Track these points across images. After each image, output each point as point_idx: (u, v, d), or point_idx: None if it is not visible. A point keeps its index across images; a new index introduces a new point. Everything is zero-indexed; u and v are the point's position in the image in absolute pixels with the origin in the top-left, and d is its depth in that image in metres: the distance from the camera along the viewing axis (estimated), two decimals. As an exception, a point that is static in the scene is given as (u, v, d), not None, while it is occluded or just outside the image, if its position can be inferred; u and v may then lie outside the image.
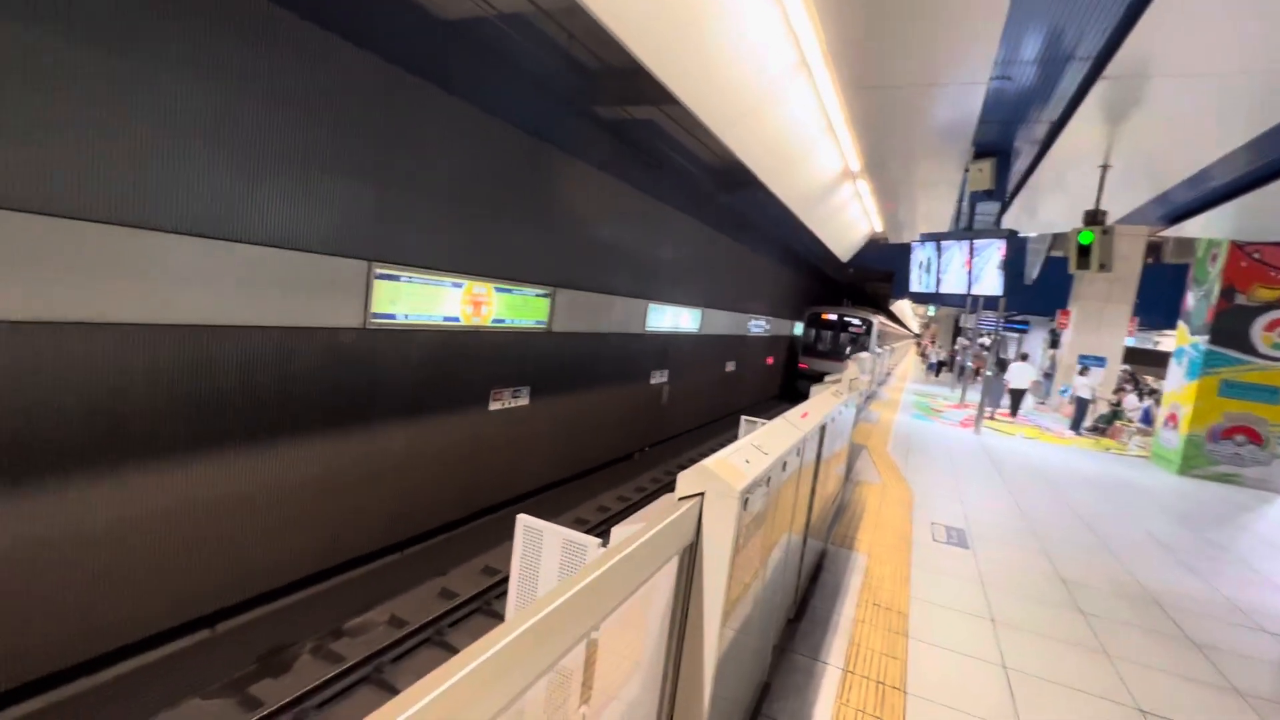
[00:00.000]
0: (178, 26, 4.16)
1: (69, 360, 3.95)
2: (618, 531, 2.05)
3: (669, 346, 12.91)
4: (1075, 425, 12.16)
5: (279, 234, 5.03)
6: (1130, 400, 13.48)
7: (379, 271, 5.98)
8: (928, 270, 7.33)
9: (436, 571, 6.65)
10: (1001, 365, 14.99)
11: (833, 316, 22.01)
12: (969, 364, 16.94)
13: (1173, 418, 9.60)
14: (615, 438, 11.57)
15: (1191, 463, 9.06)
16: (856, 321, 21.38)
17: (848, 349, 20.44)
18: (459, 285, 6.97)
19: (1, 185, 3.52)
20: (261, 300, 4.97)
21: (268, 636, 5.18)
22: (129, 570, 4.50)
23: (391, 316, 6.22)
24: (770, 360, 21.48)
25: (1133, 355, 21.13)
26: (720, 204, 13.55)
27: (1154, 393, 14.71)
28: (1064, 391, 14.92)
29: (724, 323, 15.74)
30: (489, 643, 0.98)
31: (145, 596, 4.64)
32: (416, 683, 0.84)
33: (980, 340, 20.04)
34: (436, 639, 5.53)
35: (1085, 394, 12.06)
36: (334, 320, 5.66)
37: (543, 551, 2.14)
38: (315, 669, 4.89)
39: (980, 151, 5.41)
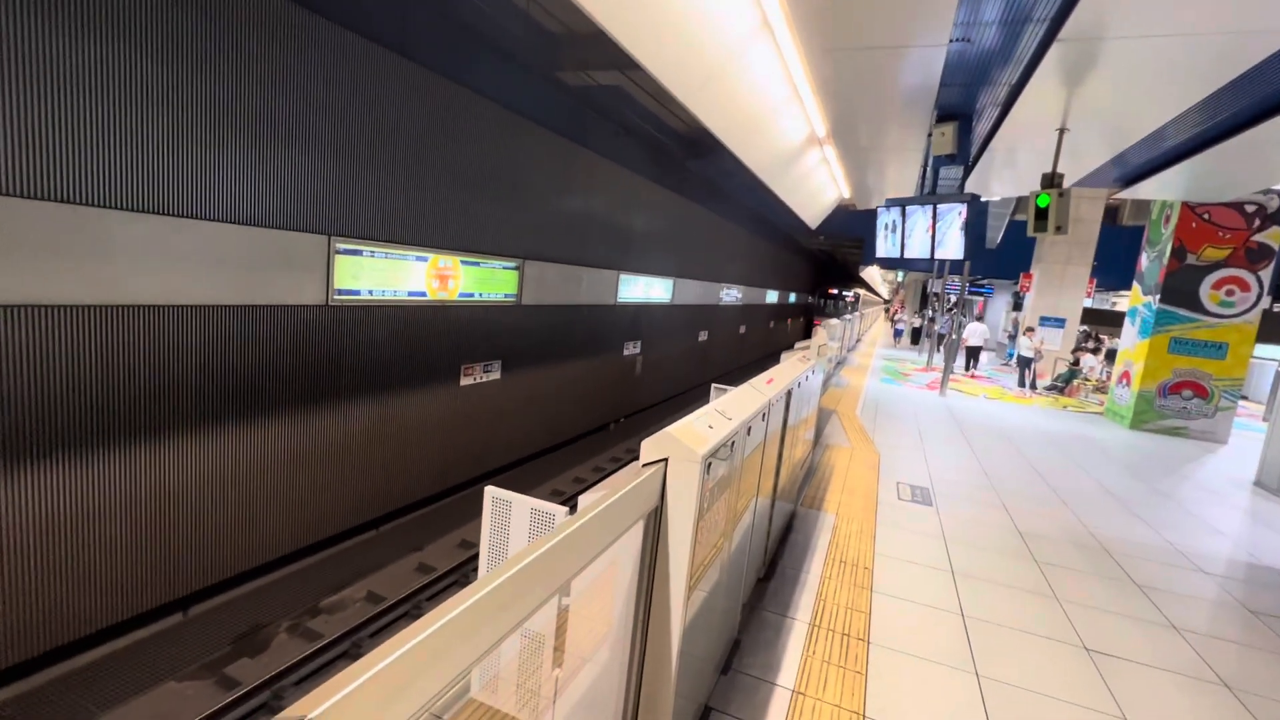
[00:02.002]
0: (107, -13, 3.91)
1: (17, 346, 3.78)
2: (585, 499, 2.07)
3: (641, 317, 12.91)
4: (1021, 382, 12.96)
5: (233, 210, 4.84)
6: (1088, 360, 13.96)
7: (340, 246, 5.82)
8: (893, 235, 7.41)
9: (413, 547, 6.66)
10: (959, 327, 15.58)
11: (835, 291, 42.56)
12: (947, 331, 17.29)
13: (1126, 375, 9.99)
14: (590, 410, 11.61)
15: (1142, 417, 9.48)
16: (849, 294, 41.06)
17: (844, 311, 31.43)
18: (423, 259, 6.83)
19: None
20: (219, 278, 4.81)
21: (243, 618, 5.16)
22: (92, 558, 4.41)
23: (355, 292, 6.08)
24: (743, 329, 21.71)
25: (1091, 316, 21.83)
26: (690, 172, 13.43)
27: (1107, 353, 15.25)
28: (1009, 355, 15.79)
29: (696, 292, 15.76)
30: (459, 600, 1.00)
31: (107, 586, 4.55)
32: (385, 642, 0.84)
33: (951, 307, 20.48)
34: (414, 613, 5.57)
35: (1028, 353, 12.85)
36: (296, 298, 5.51)
37: (511, 521, 2.16)
38: (293, 647, 4.90)
39: (943, 115, 5.44)
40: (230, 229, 4.85)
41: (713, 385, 4.16)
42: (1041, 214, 5.21)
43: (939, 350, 17.04)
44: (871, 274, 42.07)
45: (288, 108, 5.16)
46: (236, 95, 4.76)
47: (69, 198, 3.88)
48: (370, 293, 6.25)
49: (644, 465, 1.79)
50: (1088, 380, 13.17)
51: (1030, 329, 13.57)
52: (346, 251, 5.90)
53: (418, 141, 6.54)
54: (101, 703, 4.08)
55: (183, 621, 5.04)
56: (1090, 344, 16.29)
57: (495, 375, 8.46)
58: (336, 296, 5.87)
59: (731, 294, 19.09)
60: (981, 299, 25.99)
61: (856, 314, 21.51)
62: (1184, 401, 9.35)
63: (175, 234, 4.46)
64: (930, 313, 19.29)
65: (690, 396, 16.43)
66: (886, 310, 45.27)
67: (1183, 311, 9.19)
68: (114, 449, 4.41)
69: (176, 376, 4.71)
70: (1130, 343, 10.02)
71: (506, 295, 8.32)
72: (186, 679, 4.44)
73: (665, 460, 1.79)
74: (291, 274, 5.42)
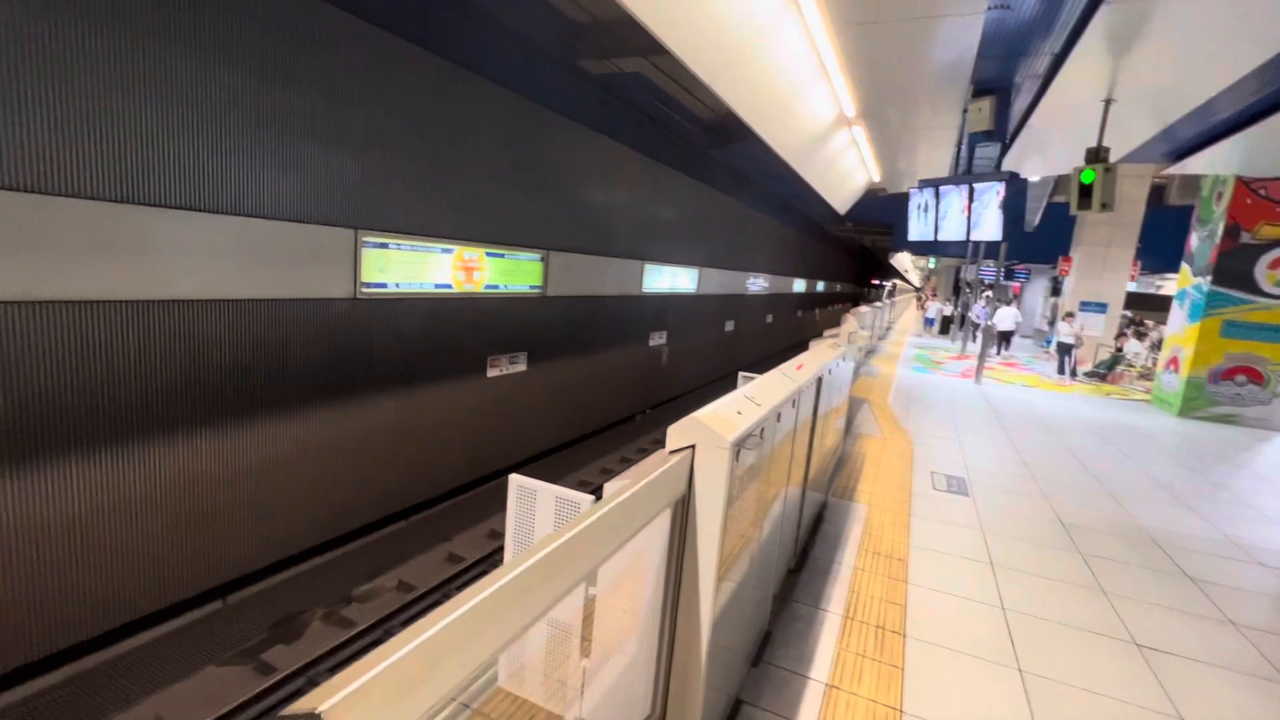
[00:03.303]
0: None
1: (63, 339, 3.89)
2: (610, 487, 2.02)
3: (667, 307, 12.82)
4: (1061, 369, 12.55)
5: (265, 205, 4.91)
6: (1131, 345, 13.43)
7: (367, 240, 5.87)
8: (925, 217, 7.16)
9: (442, 537, 6.74)
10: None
11: (876, 282, 50.04)
12: (984, 318, 16.70)
13: (1174, 361, 9.56)
14: (616, 401, 11.59)
15: (1192, 404, 9.06)
16: (887, 285, 47.14)
17: (882, 296, 34.87)
18: (449, 251, 6.86)
19: (-33, 161, 3.41)
20: (252, 273, 4.89)
21: (280, 605, 5.27)
22: (137, 546, 4.55)
23: (383, 285, 6.13)
24: (770, 318, 21.46)
25: (1135, 300, 21.00)
26: (715, 160, 13.25)
27: (1151, 343, 14.63)
28: (1048, 342, 15.39)
29: (722, 281, 15.60)
30: (484, 585, 0.97)
31: (153, 571, 4.70)
32: (410, 626, 0.82)
33: (986, 293, 19.90)
34: (444, 602, 5.63)
35: (1068, 339, 12.42)
36: (325, 291, 5.58)
37: (536, 510, 2.13)
38: (327, 635, 4.99)
39: (979, 89, 5.21)
40: (263, 224, 4.92)
41: (740, 374, 4.08)
42: (1086, 191, 4.97)
43: (974, 338, 16.58)
44: (901, 260, 41.24)
45: (318, 105, 5.20)
46: (270, 95, 4.81)
47: (115, 196, 3.97)
48: (397, 286, 6.30)
49: (671, 452, 1.74)
50: (1132, 367, 12.67)
51: (1070, 314, 13.12)
52: (374, 245, 5.95)
53: (442, 134, 6.55)
54: (148, 687, 4.21)
55: (222, 608, 5.18)
56: (1132, 330, 15.68)
57: (521, 367, 8.49)
58: (364, 290, 5.93)
59: (758, 283, 18.85)
60: (1017, 284, 25.23)
61: (888, 301, 21.02)
62: (1237, 388, 8.91)
63: (211, 229, 4.54)
64: (963, 300, 18.72)
65: (717, 387, 16.30)
66: (918, 298, 44.26)
67: (1236, 293, 8.74)
68: (154, 440, 4.53)
69: (213, 369, 4.81)
70: (1179, 327, 9.58)
71: (532, 286, 8.32)
72: (226, 664, 4.56)
73: (693, 447, 1.73)
74: (321, 268, 5.49)
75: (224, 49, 4.49)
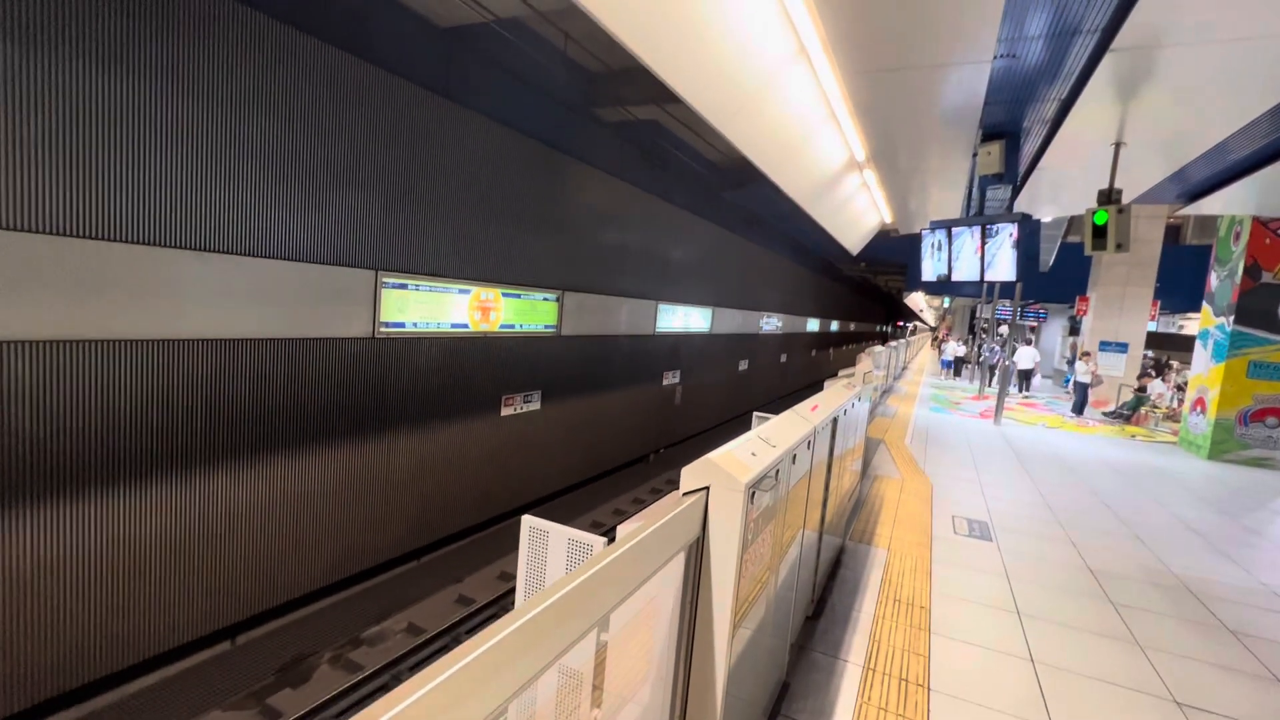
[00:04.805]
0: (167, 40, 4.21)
1: (88, 378, 3.99)
2: (623, 529, 2.00)
3: (680, 347, 12.85)
4: (1077, 409, 12.49)
5: (289, 247, 5.07)
6: (1155, 386, 13.16)
7: (387, 280, 6.00)
8: (938, 256, 7.18)
9: (453, 578, 6.64)
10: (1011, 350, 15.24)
11: (901, 324, 55.04)
12: (996, 359, 16.43)
13: (1200, 402, 9.34)
14: (629, 440, 11.53)
15: (1221, 447, 8.80)
16: (908, 326, 52.14)
17: (903, 336, 38.18)
18: (466, 291, 6.98)
19: (16, 209, 3.57)
20: (275, 312, 5.01)
21: (288, 647, 5.20)
22: (149, 585, 4.54)
23: (400, 325, 6.24)
24: (784, 358, 21.39)
25: (1157, 340, 20.68)
26: (727, 202, 13.49)
27: (1175, 384, 14.32)
28: (1067, 381, 15.36)
29: (735, 321, 15.65)
30: (493, 632, 0.95)
31: (163, 612, 4.67)
32: (419, 673, 0.81)
33: (1000, 332, 19.71)
34: (453, 646, 5.51)
35: (1084, 378, 12.43)
36: (344, 330, 5.68)
37: (549, 552, 2.10)
38: (334, 679, 4.90)
39: (988, 134, 5.30)
40: (287, 266, 5.06)
41: (754, 414, 4.05)
42: (1099, 232, 4.97)
43: (991, 380, 16.36)
44: (916, 300, 41.23)
45: (340, 151, 5.41)
46: (294, 141, 5.02)
47: (146, 240, 4.13)
48: (415, 325, 6.40)
49: (684, 494, 1.72)
50: (1156, 408, 12.39)
51: (1085, 353, 13.00)
52: (393, 285, 6.08)
53: (461, 178, 6.75)
54: (152, 730, 4.14)
55: (230, 650, 5.11)
56: (1153, 370, 15.41)
57: (535, 405, 8.51)
58: (382, 329, 6.03)
59: (771, 322, 18.88)
60: (1034, 322, 25.01)
61: (903, 340, 20.85)
62: (1268, 430, 8.66)
63: (237, 271, 4.68)
64: (976, 341, 18.51)
65: (730, 427, 16.16)
66: (933, 337, 43.88)
67: (1260, 333, 8.58)
68: (172, 477, 4.57)
69: (233, 407, 4.88)
70: (1203, 367, 9.39)
71: (546, 326, 8.41)
72: (231, 708, 4.47)
73: (706, 489, 1.71)
74: (341, 307, 5.61)
75: (259, 102, 4.71)
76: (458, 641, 5.55)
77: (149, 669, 4.61)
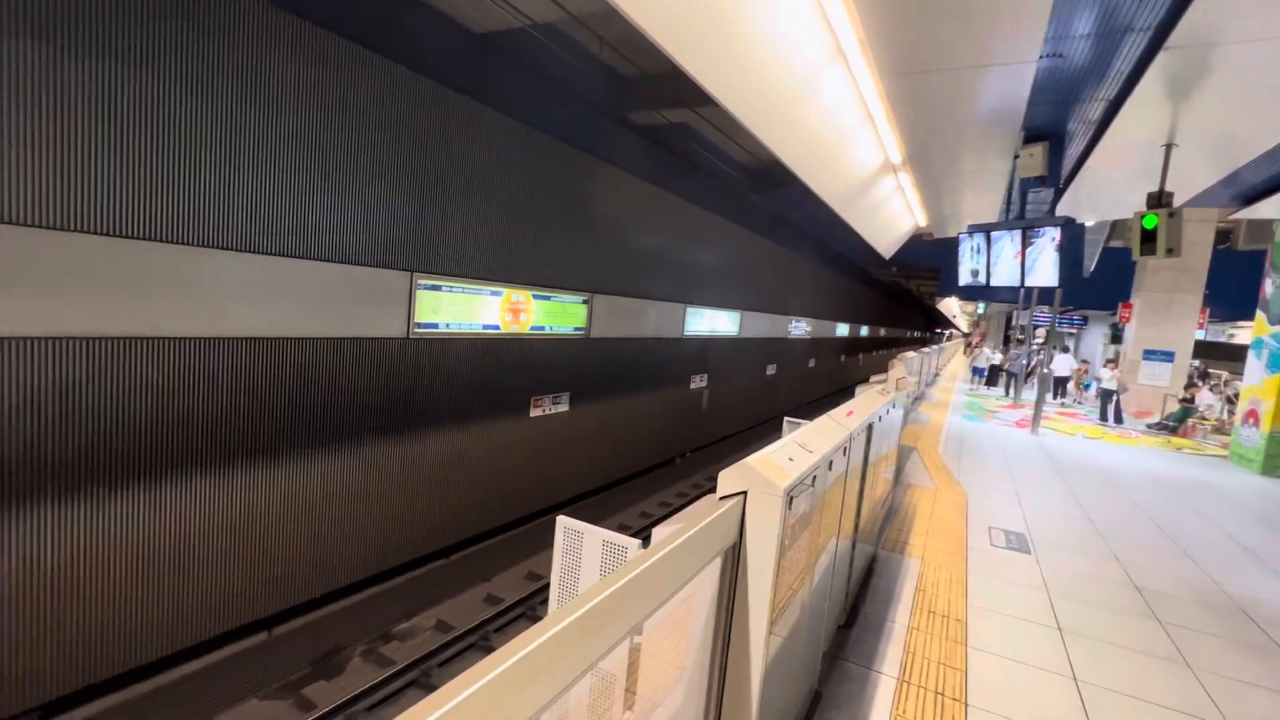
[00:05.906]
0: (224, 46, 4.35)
1: (137, 374, 4.15)
2: (659, 532, 1.99)
3: (708, 350, 12.80)
4: (1103, 416, 12.30)
5: (334, 249, 5.21)
6: (1204, 396, 12.65)
7: (421, 282, 6.11)
8: (977, 260, 7.01)
9: (481, 577, 6.71)
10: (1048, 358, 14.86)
11: (937, 330, 51.94)
12: (1020, 370, 15.94)
13: (1253, 414, 8.94)
14: (656, 443, 11.51)
15: (1276, 461, 8.41)
16: (945, 334, 49.22)
17: (937, 341, 38.31)
18: (498, 293, 7.06)
19: (66, 208, 3.74)
20: (320, 313, 5.16)
21: (322, 640, 5.32)
22: (183, 578, 4.69)
23: (434, 326, 6.34)
24: (812, 363, 21.14)
25: (1205, 349, 19.88)
26: (757, 205, 13.41)
27: (1225, 395, 13.77)
28: (1087, 386, 15.04)
29: (764, 325, 15.52)
30: (528, 639, 0.95)
31: (206, 600, 4.82)
32: (454, 679, 0.82)
33: (1037, 338, 19.19)
34: (481, 644, 5.57)
35: (1110, 385, 12.24)
36: (381, 331, 5.80)
37: (583, 553, 2.11)
38: (366, 672, 4.99)
39: (1031, 136, 5.16)
40: (333, 267, 5.20)
41: (785, 419, 4.01)
42: (1149, 236, 4.80)
43: (1020, 387, 15.92)
44: (949, 305, 40.38)
45: (382, 155, 5.53)
46: (342, 148, 5.16)
47: (215, 244, 4.28)
48: (447, 325, 6.50)
49: (721, 498, 1.71)
50: (1205, 420, 11.91)
51: (1111, 361, 12.74)
52: (427, 287, 6.19)
53: (494, 181, 6.84)
54: (197, 715, 4.27)
55: (267, 640, 5.25)
56: (1199, 380, 14.84)
57: (563, 407, 8.56)
58: (416, 329, 6.14)
59: (800, 327, 18.69)
60: (1072, 329, 24.28)
61: (935, 347, 20.41)
62: (1327, 444, 8.24)
63: (288, 272, 4.83)
64: (1012, 350, 18.02)
65: (758, 431, 16.03)
66: (966, 345, 42.87)
67: (1320, 342, 8.19)
68: (213, 473, 4.72)
69: (274, 404, 5.02)
70: (1257, 378, 8.99)
71: (575, 328, 8.45)
72: (268, 698, 4.59)
73: (744, 493, 1.70)
74: (379, 308, 5.73)
75: (310, 112, 4.85)
76: (486, 639, 5.61)
77: (195, 655, 4.77)
